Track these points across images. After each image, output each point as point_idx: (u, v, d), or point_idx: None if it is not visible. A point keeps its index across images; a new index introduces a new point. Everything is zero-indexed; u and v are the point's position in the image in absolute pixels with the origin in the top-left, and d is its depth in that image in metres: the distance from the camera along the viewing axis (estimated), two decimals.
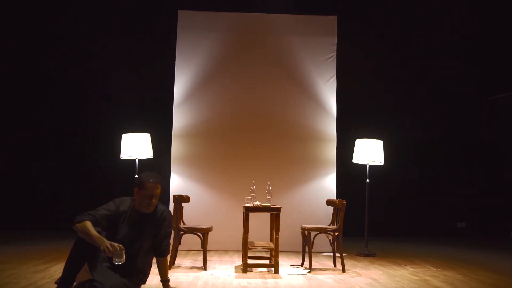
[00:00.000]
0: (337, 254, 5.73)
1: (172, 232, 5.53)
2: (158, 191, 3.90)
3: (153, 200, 3.88)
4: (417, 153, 9.49)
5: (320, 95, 7.38)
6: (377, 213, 8.52)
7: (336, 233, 5.57)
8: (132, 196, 3.97)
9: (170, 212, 4.11)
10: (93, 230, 3.61)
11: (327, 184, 7.26)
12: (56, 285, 3.73)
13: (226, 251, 7.00)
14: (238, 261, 6.04)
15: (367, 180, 7.03)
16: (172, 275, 5.09)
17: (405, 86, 9.52)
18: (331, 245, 5.80)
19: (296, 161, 7.28)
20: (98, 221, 3.72)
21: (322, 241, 6.60)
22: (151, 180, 3.86)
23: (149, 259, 4.04)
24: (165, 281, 4.05)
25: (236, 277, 5.13)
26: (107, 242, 3.57)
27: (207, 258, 5.65)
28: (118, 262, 3.61)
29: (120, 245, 3.62)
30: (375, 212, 7.94)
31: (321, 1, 8.65)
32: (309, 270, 5.51)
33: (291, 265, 5.90)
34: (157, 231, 3.97)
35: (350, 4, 9.05)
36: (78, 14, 8.76)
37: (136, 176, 3.93)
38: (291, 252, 6.92)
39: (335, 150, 7.32)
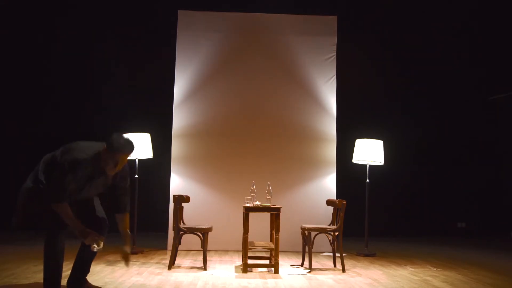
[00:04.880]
0: (337, 254, 5.73)
1: (173, 231, 5.57)
2: (126, 160, 3.81)
3: (118, 166, 3.76)
4: (417, 153, 9.49)
5: (320, 95, 7.38)
6: (377, 213, 8.51)
7: (336, 233, 5.57)
8: (95, 146, 3.81)
9: (127, 168, 4.03)
10: (73, 216, 3.66)
11: (327, 184, 7.26)
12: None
13: (226, 251, 7.00)
14: (238, 261, 6.04)
15: (367, 180, 7.03)
16: (172, 275, 5.09)
17: (405, 86, 9.52)
18: (331, 245, 5.80)
19: (296, 161, 7.28)
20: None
21: (322, 241, 6.60)
22: (122, 149, 3.72)
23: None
24: (125, 233, 4.04)
25: (236, 277, 5.13)
26: (93, 234, 3.67)
27: (207, 258, 5.65)
28: (97, 250, 3.73)
29: (100, 236, 3.72)
30: (375, 212, 7.94)
31: (321, 1, 8.65)
32: (309, 270, 5.50)
33: (291, 265, 5.90)
34: (115, 182, 3.94)
35: (350, 4, 9.05)
36: (78, 14, 8.76)
37: (113, 136, 3.77)
38: (291, 252, 6.92)
39: (335, 150, 7.32)
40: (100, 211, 4.07)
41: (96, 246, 3.70)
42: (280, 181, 7.12)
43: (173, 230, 5.57)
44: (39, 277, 4.72)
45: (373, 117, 9.18)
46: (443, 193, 9.59)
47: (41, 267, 5.17)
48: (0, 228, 8.15)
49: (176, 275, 5.12)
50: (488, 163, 9.78)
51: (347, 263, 6.01)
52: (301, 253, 5.98)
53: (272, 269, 5.44)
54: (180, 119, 7.26)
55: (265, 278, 5.07)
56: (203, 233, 5.51)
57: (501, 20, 9.47)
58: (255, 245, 5.64)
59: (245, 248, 5.35)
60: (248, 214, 5.40)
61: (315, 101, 7.38)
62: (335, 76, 7.42)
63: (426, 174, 9.57)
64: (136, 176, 6.78)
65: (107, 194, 4.04)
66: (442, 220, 9.55)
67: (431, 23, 9.49)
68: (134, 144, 3.83)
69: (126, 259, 4.04)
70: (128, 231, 4.10)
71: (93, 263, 5.44)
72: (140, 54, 8.82)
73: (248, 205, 5.51)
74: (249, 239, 5.48)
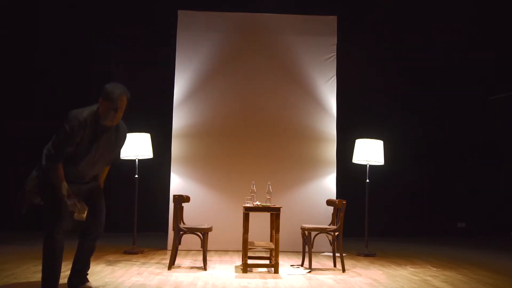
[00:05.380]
0: (337, 254, 5.73)
1: (173, 231, 5.57)
2: (125, 103, 3.85)
3: (119, 113, 3.84)
4: (417, 153, 9.49)
5: (320, 95, 7.38)
6: (377, 213, 8.51)
7: (336, 233, 5.57)
8: (90, 107, 3.90)
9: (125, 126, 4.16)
10: (63, 179, 3.72)
11: (327, 184, 7.26)
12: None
13: (226, 251, 7.00)
14: (238, 261, 6.04)
15: (367, 180, 7.03)
16: (172, 275, 5.10)
17: (405, 86, 9.52)
18: (331, 245, 5.80)
19: (296, 161, 7.28)
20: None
21: (322, 241, 6.60)
22: (117, 92, 3.79)
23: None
24: (100, 185, 4.16)
25: (236, 277, 5.13)
26: (77, 200, 3.72)
27: (207, 258, 5.65)
28: (78, 218, 3.75)
29: (84, 205, 3.75)
30: (375, 212, 7.94)
31: (321, 1, 8.65)
32: (309, 270, 5.50)
33: (291, 265, 5.90)
34: (117, 143, 4.06)
35: (350, 4, 9.05)
36: (78, 14, 8.76)
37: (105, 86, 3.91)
38: (291, 252, 6.92)
39: (335, 150, 7.32)
40: (101, 209, 4.10)
41: (77, 214, 3.73)
42: (280, 181, 7.12)
43: (173, 230, 5.57)
44: (39, 277, 4.71)
45: (373, 117, 9.18)
46: (443, 193, 9.58)
47: (41, 267, 5.19)
48: (0, 228, 8.18)
49: (176, 275, 5.11)
50: (488, 163, 9.78)
51: (347, 263, 6.01)
52: (301, 253, 5.98)
53: (272, 269, 5.44)
54: (180, 119, 7.26)
55: (265, 278, 5.07)
56: (203, 233, 5.51)
57: (501, 20, 9.46)
58: (255, 245, 5.64)
59: (245, 248, 5.35)
60: (248, 214, 5.40)
61: (315, 101, 7.38)
62: (335, 76, 7.42)
63: (426, 174, 9.56)
64: (136, 176, 6.77)
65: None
66: (442, 220, 9.54)
67: (431, 23, 9.49)
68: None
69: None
70: (103, 184, 4.19)
71: (93, 263, 5.46)
72: (140, 54, 8.82)
73: (248, 205, 5.51)
74: (249, 239, 5.48)
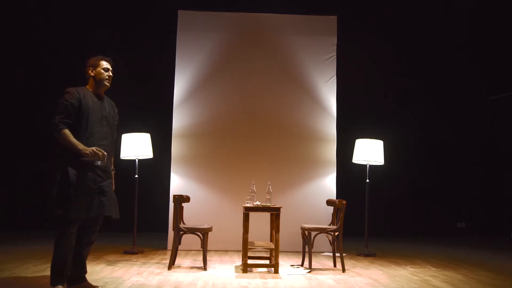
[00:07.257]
0: (337, 254, 5.73)
1: (173, 231, 5.58)
2: (109, 63, 4.35)
3: (110, 73, 4.29)
4: (417, 153, 9.49)
5: (320, 95, 7.38)
6: (377, 213, 8.52)
7: (336, 233, 5.57)
8: (79, 87, 4.20)
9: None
10: (73, 138, 3.90)
11: (327, 184, 7.26)
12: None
13: (226, 251, 7.00)
14: (238, 261, 6.04)
15: (367, 180, 7.03)
16: (172, 275, 5.10)
17: (405, 86, 9.52)
18: (331, 245, 5.79)
19: (296, 161, 7.28)
20: (71, 123, 3.98)
21: (322, 241, 6.60)
22: (98, 57, 4.29)
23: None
24: (112, 170, 4.38)
25: (236, 277, 5.13)
26: (92, 148, 3.89)
27: (207, 258, 5.65)
28: (99, 163, 3.97)
29: (102, 150, 3.93)
30: (375, 212, 7.94)
31: (321, 1, 8.65)
32: (309, 270, 5.50)
33: (291, 265, 5.90)
34: (115, 116, 4.37)
35: (350, 4, 9.05)
36: (78, 14, 8.76)
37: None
38: (291, 252, 6.92)
39: (335, 150, 7.32)
40: (105, 208, 4.10)
41: (99, 161, 3.95)
42: (280, 181, 7.12)
43: (173, 230, 5.57)
44: (39, 277, 4.73)
45: (373, 117, 9.18)
46: (443, 193, 9.59)
47: (41, 267, 5.20)
48: (0, 228, 8.19)
49: (176, 275, 5.11)
50: (488, 163, 9.78)
51: (347, 263, 6.01)
52: (301, 253, 5.98)
53: (272, 269, 5.44)
54: (180, 119, 7.25)
55: (265, 278, 5.07)
56: (203, 233, 5.51)
57: (501, 20, 9.47)
58: (255, 245, 5.64)
59: (245, 248, 5.35)
60: (248, 214, 5.40)
61: (315, 101, 7.38)
62: (335, 76, 7.42)
63: (426, 174, 9.56)
64: (136, 176, 6.77)
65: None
66: (442, 220, 9.55)
67: (431, 23, 9.49)
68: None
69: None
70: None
71: (93, 263, 5.47)
72: (140, 54, 8.81)
73: (248, 205, 5.51)
74: (249, 239, 5.48)
